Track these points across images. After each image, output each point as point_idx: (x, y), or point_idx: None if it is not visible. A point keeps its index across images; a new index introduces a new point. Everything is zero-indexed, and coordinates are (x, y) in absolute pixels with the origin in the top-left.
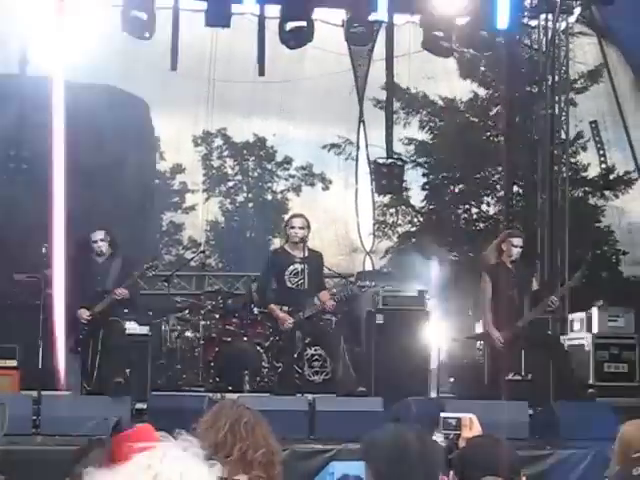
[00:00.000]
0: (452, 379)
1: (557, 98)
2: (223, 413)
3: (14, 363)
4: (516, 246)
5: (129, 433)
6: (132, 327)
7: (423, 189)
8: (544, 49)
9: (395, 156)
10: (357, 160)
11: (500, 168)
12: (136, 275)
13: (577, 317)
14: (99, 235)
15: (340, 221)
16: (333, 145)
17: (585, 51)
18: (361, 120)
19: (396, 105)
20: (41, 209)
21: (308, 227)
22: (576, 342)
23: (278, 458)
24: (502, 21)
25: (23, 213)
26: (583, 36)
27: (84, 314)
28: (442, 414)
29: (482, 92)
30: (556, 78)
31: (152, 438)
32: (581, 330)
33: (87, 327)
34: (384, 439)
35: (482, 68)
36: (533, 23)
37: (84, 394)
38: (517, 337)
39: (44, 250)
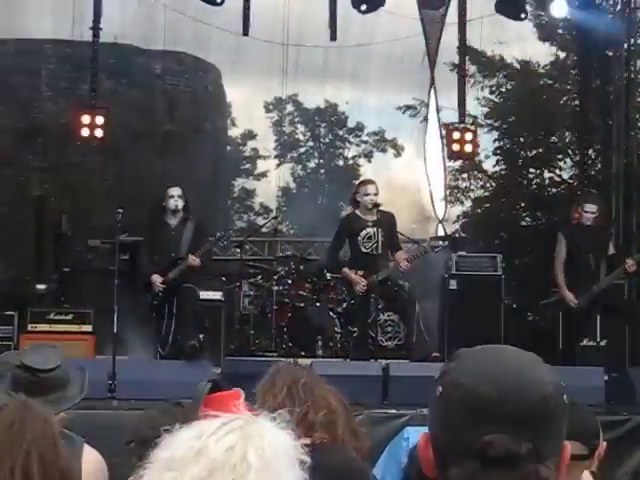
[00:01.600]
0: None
1: (633, 62)
2: (280, 376)
3: (89, 328)
4: (588, 212)
5: (214, 397)
6: (206, 293)
7: (494, 154)
8: (620, 12)
9: (469, 120)
10: (427, 128)
11: (574, 132)
12: (208, 245)
13: None
14: (176, 191)
15: (412, 188)
16: (408, 107)
17: None
18: (432, 86)
19: (472, 68)
20: (115, 176)
21: (378, 193)
22: None
23: (341, 419)
24: None
25: (97, 180)
26: None
27: (158, 280)
28: None
29: (558, 55)
30: (632, 42)
31: (228, 407)
32: None
33: (161, 293)
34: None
35: (559, 31)
36: None
37: (158, 359)
38: (592, 302)
39: (118, 216)
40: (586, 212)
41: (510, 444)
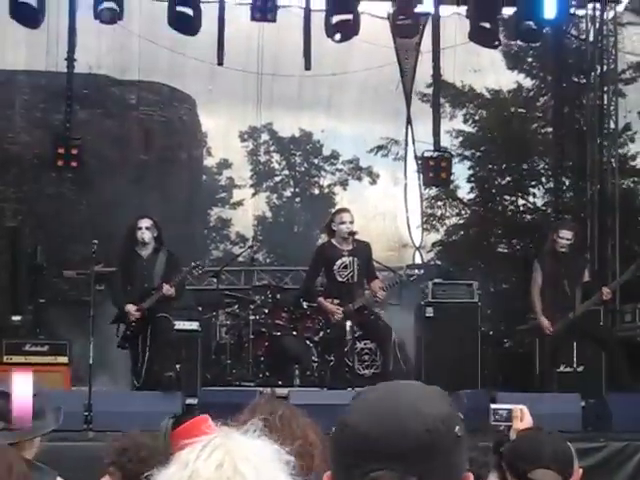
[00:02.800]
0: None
1: (605, 89)
2: (257, 409)
3: (65, 359)
4: (563, 238)
5: (182, 428)
6: (182, 323)
7: (469, 181)
8: (592, 39)
9: (442, 149)
10: (406, 155)
11: (547, 159)
12: (182, 274)
13: (629, 308)
14: (145, 223)
15: (388, 215)
16: (380, 147)
17: (633, 41)
18: (409, 115)
19: (443, 100)
20: (90, 206)
21: (354, 221)
22: (628, 333)
23: (317, 449)
24: (549, 11)
25: (72, 210)
26: (631, 26)
27: (132, 309)
28: (492, 405)
29: (529, 83)
30: (604, 68)
31: (201, 432)
32: (633, 321)
33: (134, 323)
34: None
35: (529, 59)
36: (581, 13)
37: (134, 390)
38: (568, 328)
39: (93, 247)
40: (561, 238)
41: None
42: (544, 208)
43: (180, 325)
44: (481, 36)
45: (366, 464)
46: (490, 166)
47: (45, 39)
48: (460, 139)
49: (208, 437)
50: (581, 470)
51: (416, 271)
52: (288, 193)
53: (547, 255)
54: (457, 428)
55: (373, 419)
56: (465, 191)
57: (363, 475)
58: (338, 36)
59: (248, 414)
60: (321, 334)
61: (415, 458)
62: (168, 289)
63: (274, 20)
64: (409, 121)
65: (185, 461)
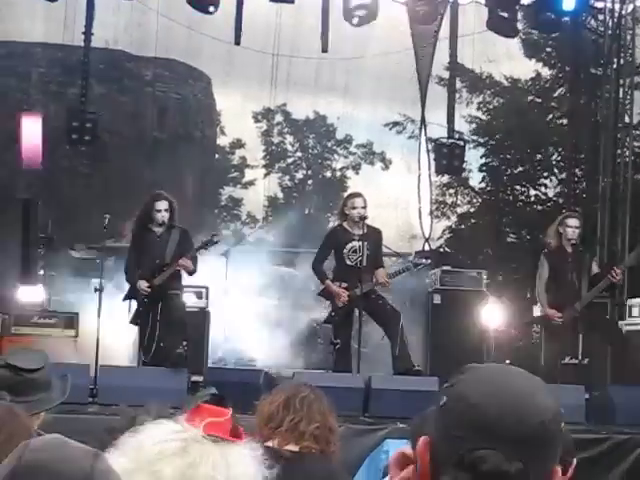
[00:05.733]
0: (508, 361)
1: (622, 82)
2: (282, 389)
3: (73, 332)
4: (571, 226)
5: (203, 409)
6: (190, 300)
7: (481, 170)
8: (610, 32)
9: (456, 135)
10: (419, 146)
11: (560, 150)
12: (198, 247)
13: (636, 302)
14: (163, 205)
15: (399, 201)
16: (395, 123)
17: None
18: (423, 103)
19: (460, 84)
20: (103, 180)
21: (366, 206)
22: (634, 327)
23: (334, 436)
24: (568, 2)
25: (85, 184)
26: None
27: (144, 285)
28: None
29: (546, 73)
30: (621, 61)
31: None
32: (639, 315)
33: (146, 299)
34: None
35: (548, 49)
36: (599, 5)
37: (141, 366)
38: (575, 320)
39: (105, 221)
40: (570, 227)
41: (501, 462)
42: (555, 199)
43: (189, 302)
44: (499, 25)
45: (476, 441)
46: (503, 155)
47: (63, 13)
48: (474, 126)
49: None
50: (575, 462)
51: (423, 260)
52: (300, 175)
53: (554, 247)
54: (562, 424)
55: (493, 400)
56: (477, 180)
57: (470, 450)
58: (356, 20)
59: (272, 392)
60: (328, 317)
61: (524, 446)
62: (185, 261)
63: (292, 1)
64: (424, 109)
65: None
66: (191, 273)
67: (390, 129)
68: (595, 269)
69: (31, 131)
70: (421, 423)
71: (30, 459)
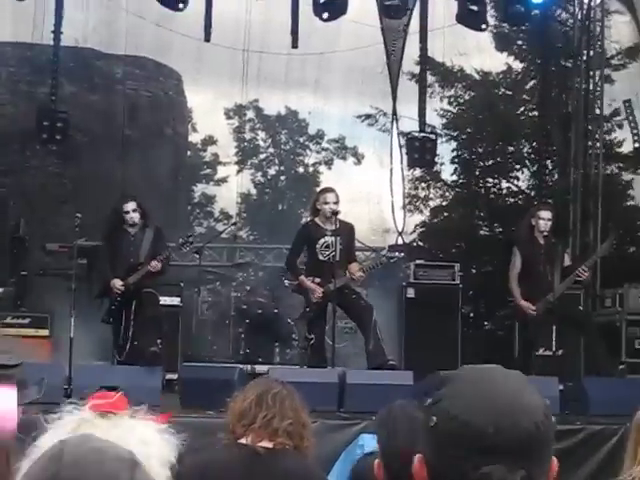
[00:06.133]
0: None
1: (592, 73)
2: (253, 385)
3: (46, 332)
4: (543, 219)
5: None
6: (164, 298)
7: (453, 162)
8: (579, 24)
9: (428, 129)
10: (391, 140)
11: (532, 143)
12: (169, 251)
13: (608, 293)
14: (131, 206)
15: (372, 197)
16: (368, 116)
17: (619, 29)
18: (394, 97)
19: (431, 79)
20: (74, 179)
21: (339, 201)
22: (607, 318)
23: (308, 432)
24: None
25: (56, 183)
26: (618, 14)
27: (117, 284)
28: None
29: (517, 66)
30: (591, 53)
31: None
32: (612, 306)
33: (120, 298)
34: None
35: (519, 42)
36: None
37: (115, 364)
38: (548, 312)
39: (77, 221)
40: (541, 219)
41: (505, 474)
42: (527, 191)
43: (162, 300)
44: (469, 18)
45: (476, 458)
46: (474, 148)
47: (32, 12)
48: (446, 119)
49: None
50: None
51: (397, 253)
52: (273, 171)
53: (526, 239)
54: (552, 417)
55: (484, 414)
56: (449, 173)
57: (474, 468)
58: (326, 15)
59: (244, 389)
60: (301, 312)
61: (526, 452)
62: (156, 264)
63: None
64: (395, 103)
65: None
66: (162, 273)
67: (362, 121)
68: (567, 261)
69: (4, 406)
70: (387, 415)
71: (68, 477)
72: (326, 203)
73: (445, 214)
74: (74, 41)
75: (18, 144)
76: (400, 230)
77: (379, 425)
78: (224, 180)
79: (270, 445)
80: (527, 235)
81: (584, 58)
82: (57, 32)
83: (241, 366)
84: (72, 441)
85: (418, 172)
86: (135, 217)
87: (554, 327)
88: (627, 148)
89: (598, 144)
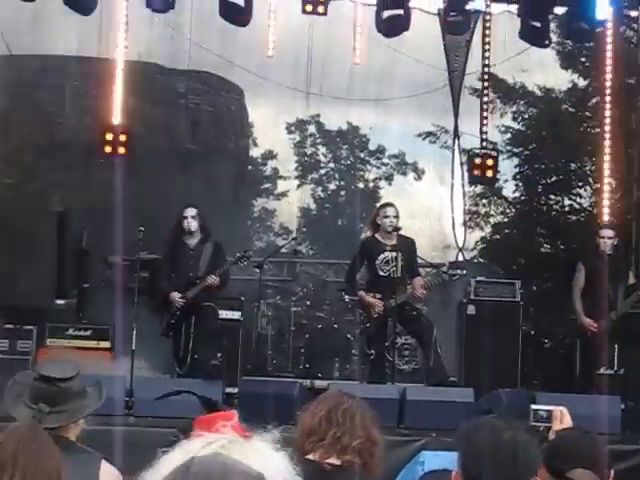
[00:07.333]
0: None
1: None
2: (324, 399)
3: (107, 344)
4: (604, 237)
5: (200, 418)
6: (224, 312)
7: (514, 179)
8: None
9: (489, 146)
10: (453, 156)
11: (595, 160)
12: (227, 265)
13: None
14: (190, 212)
15: (432, 213)
16: (429, 133)
17: None
18: (456, 113)
19: (493, 95)
20: (136, 193)
21: (399, 216)
22: None
23: (378, 448)
24: (602, 12)
25: (118, 197)
26: None
27: (177, 297)
28: (533, 406)
29: (581, 83)
30: None
31: (215, 427)
32: None
33: (179, 312)
34: (480, 435)
35: (582, 59)
36: (634, 14)
37: (176, 377)
38: (610, 330)
39: (139, 234)
40: (602, 237)
41: None
42: (590, 209)
43: (222, 314)
44: (532, 35)
45: None
46: (537, 165)
47: (97, 26)
48: (508, 135)
49: (217, 436)
50: (612, 472)
51: (458, 271)
52: (333, 186)
53: (591, 256)
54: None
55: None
56: (510, 189)
57: None
58: (388, 30)
59: (313, 405)
60: (361, 327)
61: None
62: (213, 278)
63: (325, 13)
64: (456, 120)
65: (186, 453)
66: (222, 288)
67: (423, 139)
68: (631, 279)
69: None
70: (468, 431)
71: None
72: (386, 217)
73: (506, 231)
74: (138, 56)
75: (82, 157)
76: (461, 246)
77: (460, 439)
78: (284, 194)
79: (338, 462)
80: (593, 251)
81: None
82: (121, 47)
83: (301, 381)
84: (202, 456)
85: (479, 188)
86: (193, 225)
87: (616, 345)
88: None
89: None
